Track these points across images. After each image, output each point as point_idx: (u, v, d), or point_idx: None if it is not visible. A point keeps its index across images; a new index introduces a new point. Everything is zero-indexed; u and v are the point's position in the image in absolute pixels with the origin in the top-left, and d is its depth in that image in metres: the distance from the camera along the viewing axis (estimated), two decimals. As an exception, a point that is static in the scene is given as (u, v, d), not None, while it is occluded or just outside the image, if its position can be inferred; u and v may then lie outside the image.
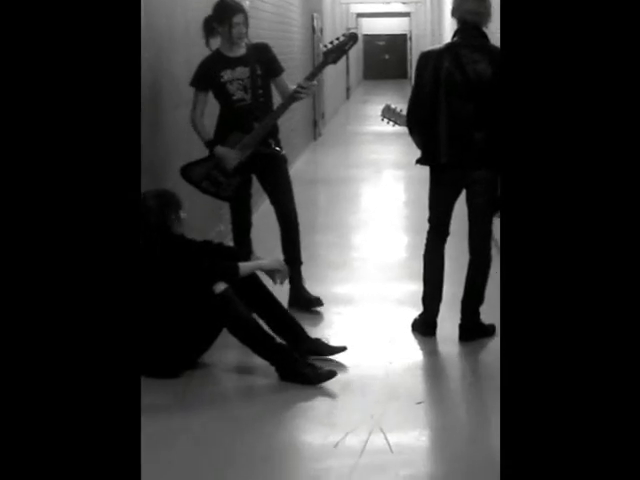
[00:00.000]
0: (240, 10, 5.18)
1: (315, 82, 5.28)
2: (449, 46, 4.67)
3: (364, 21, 38.50)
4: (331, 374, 4.26)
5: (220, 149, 5.21)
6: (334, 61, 5.28)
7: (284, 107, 5.25)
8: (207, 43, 5.29)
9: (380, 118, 5.27)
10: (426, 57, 4.71)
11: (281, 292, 5.07)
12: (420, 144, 4.77)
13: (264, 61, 5.27)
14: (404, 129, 5.02)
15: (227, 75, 5.21)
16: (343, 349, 4.61)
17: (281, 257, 5.02)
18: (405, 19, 38.48)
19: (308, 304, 5.42)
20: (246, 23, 5.20)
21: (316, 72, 5.38)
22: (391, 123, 5.21)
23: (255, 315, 4.51)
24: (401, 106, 5.11)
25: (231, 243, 5.59)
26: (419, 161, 4.81)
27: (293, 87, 5.28)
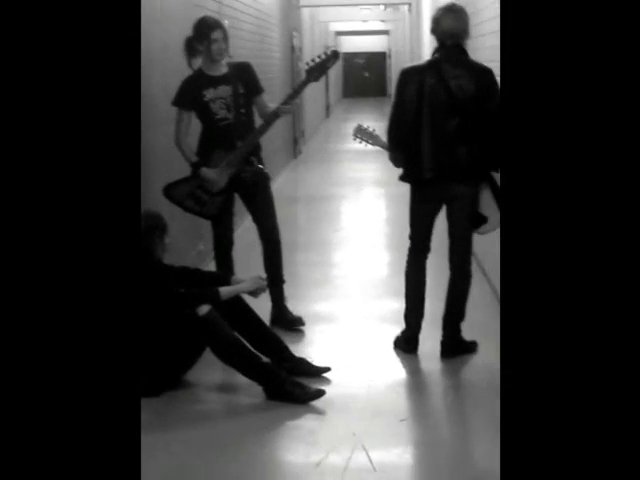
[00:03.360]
0: (218, 26, 5.20)
1: (297, 100, 5.29)
2: (431, 62, 4.68)
3: (343, 39, 38.64)
4: (319, 393, 4.25)
5: (206, 171, 5.21)
6: (316, 79, 5.28)
7: (267, 125, 5.26)
8: (189, 63, 5.29)
9: (352, 138, 5.28)
10: (408, 74, 4.72)
11: (263, 310, 5.06)
12: (402, 161, 4.77)
13: (246, 80, 5.28)
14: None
15: (210, 94, 5.22)
16: (327, 370, 4.61)
17: (263, 275, 5.01)
18: (384, 37, 38.68)
19: (290, 324, 5.42)
20: (225, 40, 5.21)
21: (299, 90, 5.38)
22: (364, 143, 5.22)
23: (237, 334, 4.49)
24: (380, 124, 5.12)
25: (212, 262, 5.56)
26: (402, 178, 4.82)
27: (272, 105, 5.29)
